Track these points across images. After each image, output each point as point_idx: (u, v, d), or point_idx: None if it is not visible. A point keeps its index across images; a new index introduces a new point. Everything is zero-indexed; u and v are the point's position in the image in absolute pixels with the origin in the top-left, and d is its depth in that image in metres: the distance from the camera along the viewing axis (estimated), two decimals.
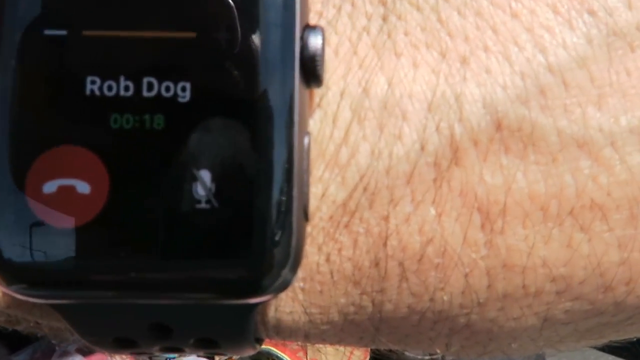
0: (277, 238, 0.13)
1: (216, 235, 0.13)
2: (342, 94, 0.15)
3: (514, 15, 0.15)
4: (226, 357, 0.69)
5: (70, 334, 0.18)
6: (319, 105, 0.15)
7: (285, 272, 0.14)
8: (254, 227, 0.13)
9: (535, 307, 0.16)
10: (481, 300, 0.16)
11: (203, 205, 0.13)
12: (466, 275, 0.15)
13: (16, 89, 0.13)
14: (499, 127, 0.15)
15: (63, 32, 0.13)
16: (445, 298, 0.16)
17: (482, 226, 0.15)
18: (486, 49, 0.15)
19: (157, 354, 0.17)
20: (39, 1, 0.14)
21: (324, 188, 0.15)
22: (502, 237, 0.15)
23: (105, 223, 0.13)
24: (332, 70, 0.15)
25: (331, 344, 0.18)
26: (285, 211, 0.13)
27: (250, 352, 0.18)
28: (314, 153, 0.15)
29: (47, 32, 0.13)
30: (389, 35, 0.16)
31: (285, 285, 0.14)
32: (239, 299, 0.14)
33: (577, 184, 0.15)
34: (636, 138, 0.15)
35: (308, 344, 0.19)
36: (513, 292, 0.16)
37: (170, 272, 0.13)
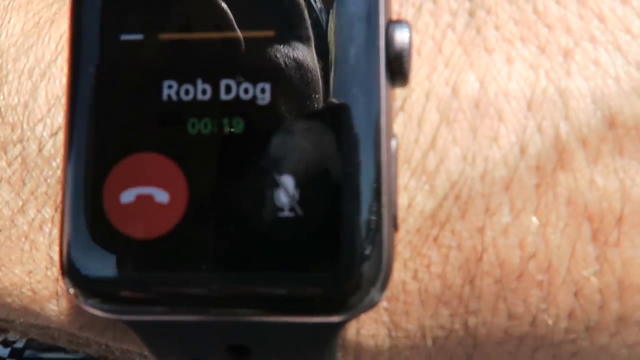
0: (367, 251, 0.12)
1: (300, 246, 0.12)
2: (427, 95, 0.14)
3: (624, 1, 0.14)
4: None
5: (141, 359, 0.18)
6: (402, 108, 0.14)
7: (375, 289, 0.12)
8: (342, 239, 0.12)
9: None
10: (592, 324, 0.14)
11: (286, 213, 0.12)
12: (575, 294, 0.14)
13: (94, 95, 0.13)
14: (612, 124, 0.13)
15: (139, 37, 0.13)
16: (549, 321, 0.14)
17: (594, 238, 0.13)
18: (593, 39, 0.14)
19: None
20: (115, 6, 0.13)
21: (411, 197, 0.14)
22: (617, 250, 0.13)
23: (185, 234, 0.12)
24: (415, 70, 0.14)
25: None
26: (376, 221, 0.12)
27: None
28: (399, 160, 0.14)
29: (124, 36, 0.13)
30: (478, 31, 0.14)
31: (372, 304, 0.13)
32: (323, 317, 0.13)
33: None
34: None
35: None
36: (630, 315, 0.14)
37: (251, 286, 0.12)
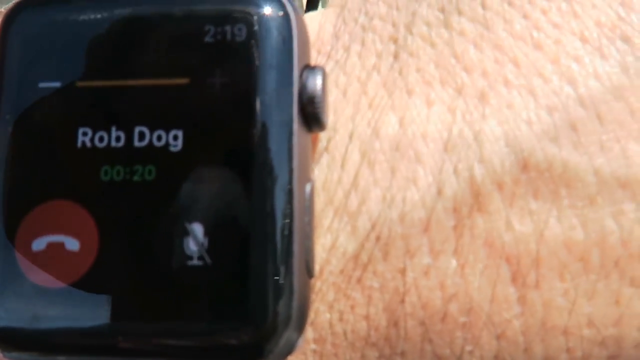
0: (276, 297, 0.12)
1: (210, 295, 0.12)
2: (350, 136, 0.14)
3: (537, 47, 0.14)
4: None
5: None
6: (326, 149, 0.14)
7: (289, 333, 0.12)
8: (251, 286, 0.12)
9: None
10: None
11: (195, 261, 0.12)
12: (498, 337, 0.14)
13: (11, 142, 0.13)
14: (525, 167, 0.13)
15: (57, 84, 0.13)
16: None
17: (513, 280, 0.13)
18: (507, 83, 0.14)
19: None
20: (34, 55, 0.13)
21: (333, 238, 0.14)
22: (537, 292, 0.13)
23: (93, 282, 0.12)
24: (340, 111, 0.14)
25: None
26: (285, 268, 0.12)
27: None
28: (321, 201, 0.14)
29: (42, 84, 0.13)
30: (400, 73, 0.14)
31: (290, 348, 0.13)
32: None
33: (621, 230, 0.13)
34: None
35: None
36: (555, 357, 0.14)
37: (161, 337, 0.12)
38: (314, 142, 0.14)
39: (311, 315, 0.14)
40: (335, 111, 0.14)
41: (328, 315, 0.14)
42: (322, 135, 0.14)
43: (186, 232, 0.12)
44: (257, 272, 0.12)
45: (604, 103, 0.13)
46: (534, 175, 0.13)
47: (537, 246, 0.13)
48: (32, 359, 0.13)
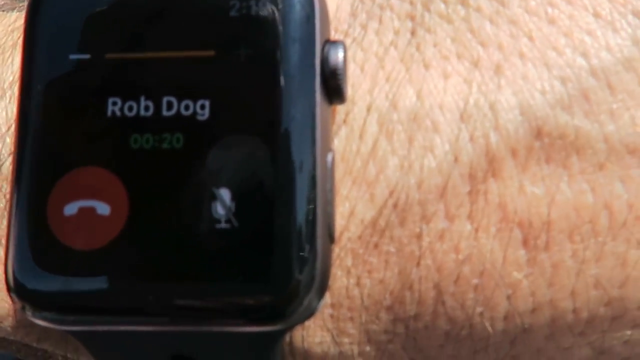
0: (300, 261, 0.13)
1: (237, 257, 0.13)
2: (368, 109, 0.15)
3: (551, 21, 0.14)
4: None
5: None
6: (344, 121, 0.15)
7: (311, 297, 0.13)
8: (276, 249, 0.13)
9: (588, 335, 0.15)
10: (526, 326, 0.14)
11: (223, 225, 0.13)
12: (509, 297, 0.14)
13: (42, 112, 0.13)
14: (538, 134, 0.14)
15: (87, 56, 0.14)
16: (486, 323, 0.15)
17: (524, 242, 0.14)
18: (522, 55, 0.14)
19: None
20: (64, 27, 0.14)
21: (352, 207, 0.15)
22: (546, 253, 0.14)
23: (124, 246, 0.13)
24: (358, 85, 0.15)
25: None
26: (309, 232, 0.13)
27: None
28: (340, 171, 0.15)
29: (72, 56, 0.14)
30: (418, 48, 0.15)
31: (310, 312, 0.13)
32: (261, 327, 0.13)
33: (629, 193, 0.14)
34: None
35: None
36: (562, 317, 0.14)
37: (189, 296, 0.13)
38: (333, 115, 0.15)
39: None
40: (353, 85, 0.15)
41: (345, 281, 0.15)
42: (340, 109, 0.15)
43: (214, 197, 0.13)
44: (282, 236, 0.13)
45: (614, 74, 0.14)
46: (546, 142, 0.14)
47: (548, 209, 0.14)
48: (60, 319, 0.13)
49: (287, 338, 0.15)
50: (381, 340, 0.15)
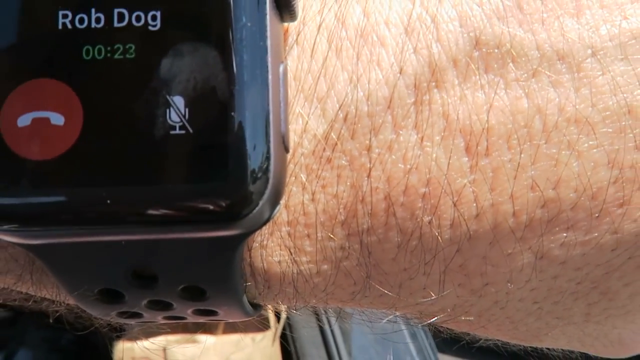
0: (253, 165, 0.13)
1: (191, 161, 0.13)
2: (318, 29, 0.15)
3: None
4: None
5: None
6: (296, 42, 0.15)
7: (264, 201, 0.13)
8: (229, 153, 0.13)
9: (528, 240, 0.16)
10: (472, 233, 0.15)
11: (177, 131, 0.13)
12: (454, 204, 0.15)
13: None
14: (477, 44, 0.15)
15: None
16: (434, 232, 0.15)
17: (466, 148, 0.15)
18: None
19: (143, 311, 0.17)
20: None
21: (304, 123, 0.15)
22: (487, 159, 0.15)
23: (80, 153, 0.13)
24: (309, 7, 0.15)
25: (322, 304, 0.18)
26: (261, 137, 0.13)
27: (246, 315, 0.18)
28: (293, 90, 0.15)
29: None
30: None
31: (263, 218, 0.14)
32: (217, 230, 0.14)
33: (560, 97, 0.15)
34: (617, 47, 0.14)
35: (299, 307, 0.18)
36: (503, 221, 0.15)
37: (145, 200, 0.13)
38: (286, 37, 0.15)
39: (285, 198, 0.15)
40: (303, 8, 0.15)
41: (301, 197, 0.15)
42: (292, 31, 0.15)
43: (167, 105, 0.13)
44: (235, 141, 0.13)
45: None
46: (484, 52, 0.15)
47: (487, 116, 0.15)
48: (20, 231, 0.13)
49: (247, 258, 0.16)
50: (337, 257, 0.16)
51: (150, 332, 0.61)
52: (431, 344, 0.67)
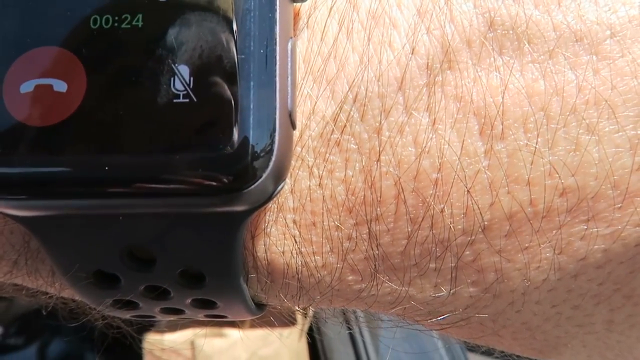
0: (257, 137, 0.13)
1: (194, 131, 0.13)
2: (329, 11, 0.15)
3: None
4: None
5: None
6: (306, 24, 0.15)
7: (267, 176, 0.13)
8: (235, 124, 0.13)
9: (546, 232, 0.14)
10: (486, 222, 0.14)
11: (181, 99, 0.13)
12: (468, 191, 0.14)
13: None
14: (491, 25, 0.14)
15: None
16: (447, 221, 0.14)
17: (481, 132, 0.14)
18: None
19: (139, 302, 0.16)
20: None
21: (313, 104, 0.15)
22: (502, 142, 0.14)
23: (83, 120, 0.13)
24: None
25: (326, 302, 0.16)
26: (267, 109, 0.13)
27: (248, 311, 0.17)
28: (302, 72, 0.15)
29: None
30: None
31: (265, 194, 0.13)
32: (217, 202, 0.13)
33: (577, 79, 0.14)
34: (637, 29, 0.14)
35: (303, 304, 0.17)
36: (519, 211, 0.14)
37: (147, 167, 0.13)
38: (295, 19, 0.15)
39: (291, 182, 0.15)
40: None
41: (307, 182, 0.15)
42: (303, 14, 0.15)
43: (173, 73, 0.13)
44: (240, 111, 0.13)
45: None
46: (499, 33, 0.14)
47: (502, 98, 0.14)
48: (20, 201, 0.13)
49: (249, 247, 0.15)
50: (344, 248, 0.15)
51: (178, 325, 0.61)
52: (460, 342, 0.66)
